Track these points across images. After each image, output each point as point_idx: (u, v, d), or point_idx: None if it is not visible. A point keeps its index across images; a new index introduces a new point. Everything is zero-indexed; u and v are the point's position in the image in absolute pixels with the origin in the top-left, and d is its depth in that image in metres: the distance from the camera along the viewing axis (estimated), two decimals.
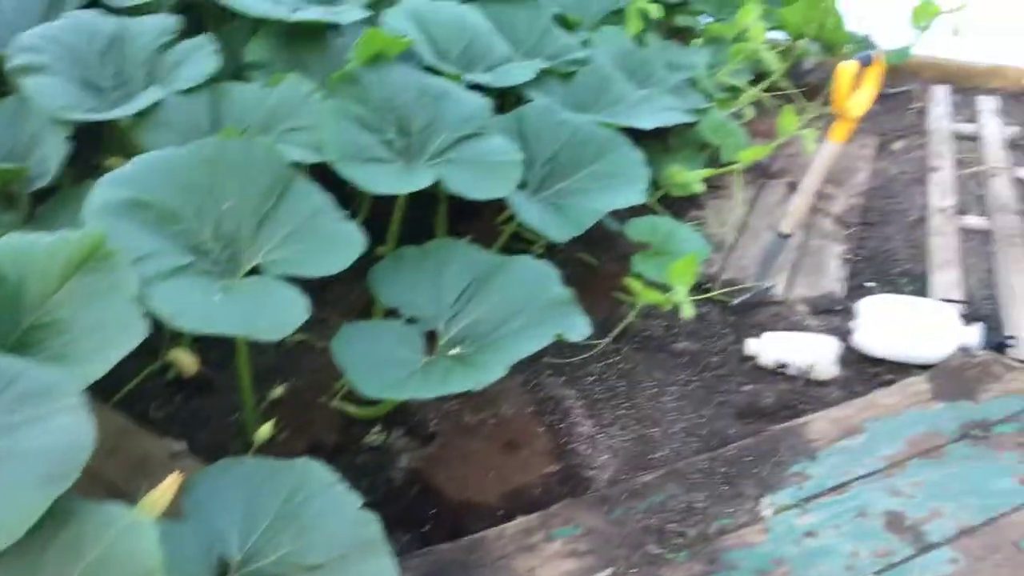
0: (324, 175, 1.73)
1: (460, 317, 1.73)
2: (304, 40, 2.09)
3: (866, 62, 1.75)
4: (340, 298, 2.30)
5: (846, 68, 1.63)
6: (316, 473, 1.26)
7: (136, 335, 1.17)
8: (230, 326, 1.33)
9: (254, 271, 1.51)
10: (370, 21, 2.08)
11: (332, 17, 1.94)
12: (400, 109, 1.83)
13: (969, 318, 2.15)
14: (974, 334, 2.03)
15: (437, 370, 1.56)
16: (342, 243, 1.53)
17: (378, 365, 1.56)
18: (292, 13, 2.04)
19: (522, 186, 2.12)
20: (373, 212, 2.24)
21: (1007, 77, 3.82)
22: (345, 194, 1.80)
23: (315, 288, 1.49)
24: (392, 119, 1.81)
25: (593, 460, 1.82)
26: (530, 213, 1.93)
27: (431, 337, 1.72)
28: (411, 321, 1.72)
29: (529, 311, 1.71)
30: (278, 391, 1.87)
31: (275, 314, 1.37)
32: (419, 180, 1.68)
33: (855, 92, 1.86)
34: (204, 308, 1.32)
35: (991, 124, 3.32)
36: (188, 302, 1.31)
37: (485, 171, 1.83)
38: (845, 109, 1.75)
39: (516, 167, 1.82)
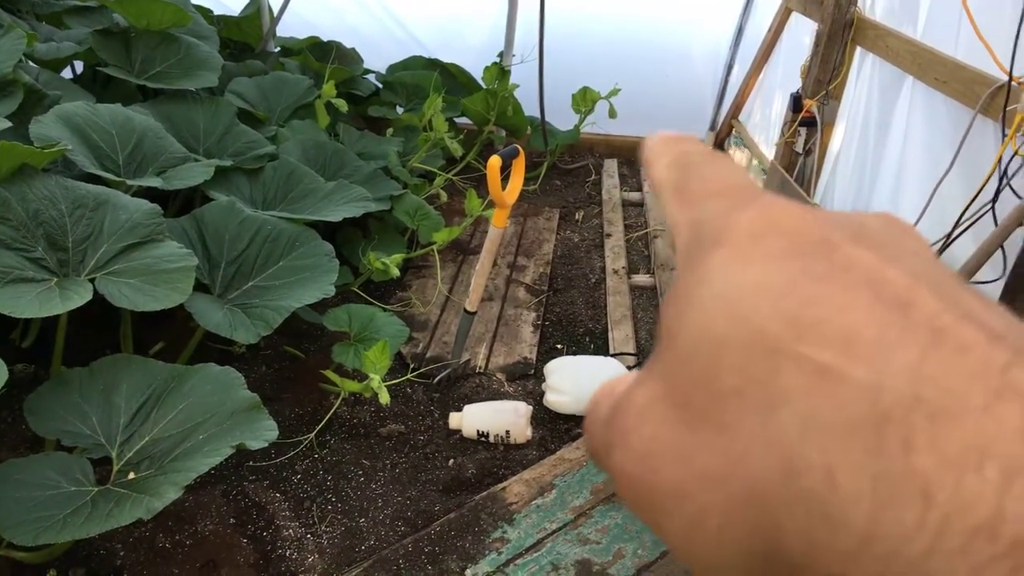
0: None
1: (136, 438, 1.63)
2: None
3: (512, 155, 1.95)
4: (10, 429, 2.06)
5: (494, 163, 1.80)
6: None
7: None
8: None
9: None
10: (17, 131, 1.92)
11: None
12: (51, 223, 1.70)
13: (639, 368, 2.43)
14: None
15: (106, 501, 1.45)
16: None
17: (34, 506, 1.41)
18: None
19: (206, 289, 2.06)
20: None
21: None
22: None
23: None
24: (41, 234, 1.68)
25: (300, 564, 1.77)
26: (213, 317, 1.88)
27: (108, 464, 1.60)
28: (84, 450, 1.58)
29: (213, 421, 1.65)
30: None
31: None
32: (73, 298, 1.56)
33: (512, 180, 2.07)
34: None
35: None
36: None
37: (156, 280, 1.75)
38: (500, 197, 1.93)
39: (189, 272, 1.77)
